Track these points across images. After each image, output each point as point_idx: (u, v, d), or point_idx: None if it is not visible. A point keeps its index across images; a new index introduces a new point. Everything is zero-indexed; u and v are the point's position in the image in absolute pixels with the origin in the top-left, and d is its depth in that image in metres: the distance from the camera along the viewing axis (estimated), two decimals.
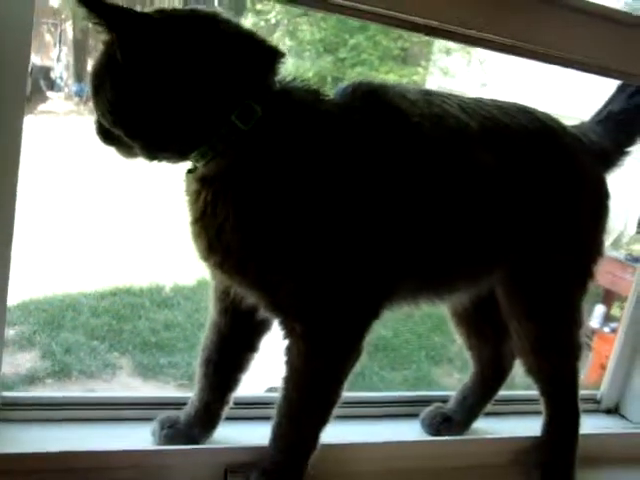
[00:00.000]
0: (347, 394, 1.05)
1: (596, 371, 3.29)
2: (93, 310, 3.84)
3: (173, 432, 1.11)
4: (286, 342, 1.01)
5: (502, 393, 1.35)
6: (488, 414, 1.35)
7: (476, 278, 1.16)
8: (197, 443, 1.12)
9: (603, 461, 1.33)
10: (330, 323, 0.99)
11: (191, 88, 0.89)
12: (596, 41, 1.19)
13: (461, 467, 1.23)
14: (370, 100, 1.00)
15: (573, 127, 1.22)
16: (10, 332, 3.06)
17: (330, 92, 1.01)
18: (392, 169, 0.98)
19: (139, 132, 0.92)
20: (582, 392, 1.28)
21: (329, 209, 0.94)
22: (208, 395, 1.11)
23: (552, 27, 1.16)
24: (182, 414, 1.13)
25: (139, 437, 1.12)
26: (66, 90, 6.25)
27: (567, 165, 1.15)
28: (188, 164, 0.99)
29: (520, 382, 1.36)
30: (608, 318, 3.90)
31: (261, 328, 1.10)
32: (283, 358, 1.01)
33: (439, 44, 4.38)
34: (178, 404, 1.17)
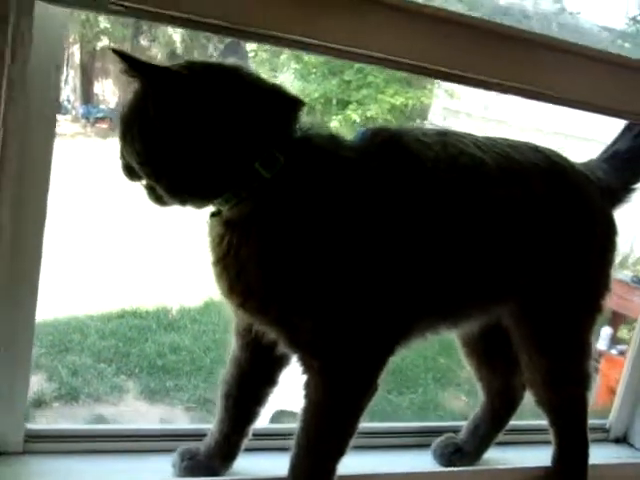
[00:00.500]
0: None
1: (603, 393, 3.29)
2: (100, 333, 3.84)
3: (193, 464, 1.13)
4: (304, 377, 1.03)
5: (513, 422, 1.36)
6: (499, 443, 1.36)
7: (488, 309, 1.19)
8: (217, 475, 1.13)
9: None
10: (348, 361, 1.01)
11: (217, 139, 0.93)
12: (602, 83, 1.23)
13: None
14: (387, 146, 1.03)
15: (581, 165, 1.25)
16: None
17: (348, 135, 1.04)
18: (408, 213, 1.01)
19: (164, 178, 0.96)
20: (591, 421, 1.29)
21: (348, 253, 0.97)
22: (228, 427, 1.13)
23: (554, 70, 1.19)
24: (202, 446, 1.15)
25: (160, 469, 1.14)
26: (73, 112, 6.35)
27: (576, 201, 1.19)
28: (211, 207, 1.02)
29: (531, 411, 1.37)
30: (615, 340, 3.91)
31: (281, 362, 1.12)
32: (302, 392, 1.03)
33: None
34: (198, 435, 1.18)
